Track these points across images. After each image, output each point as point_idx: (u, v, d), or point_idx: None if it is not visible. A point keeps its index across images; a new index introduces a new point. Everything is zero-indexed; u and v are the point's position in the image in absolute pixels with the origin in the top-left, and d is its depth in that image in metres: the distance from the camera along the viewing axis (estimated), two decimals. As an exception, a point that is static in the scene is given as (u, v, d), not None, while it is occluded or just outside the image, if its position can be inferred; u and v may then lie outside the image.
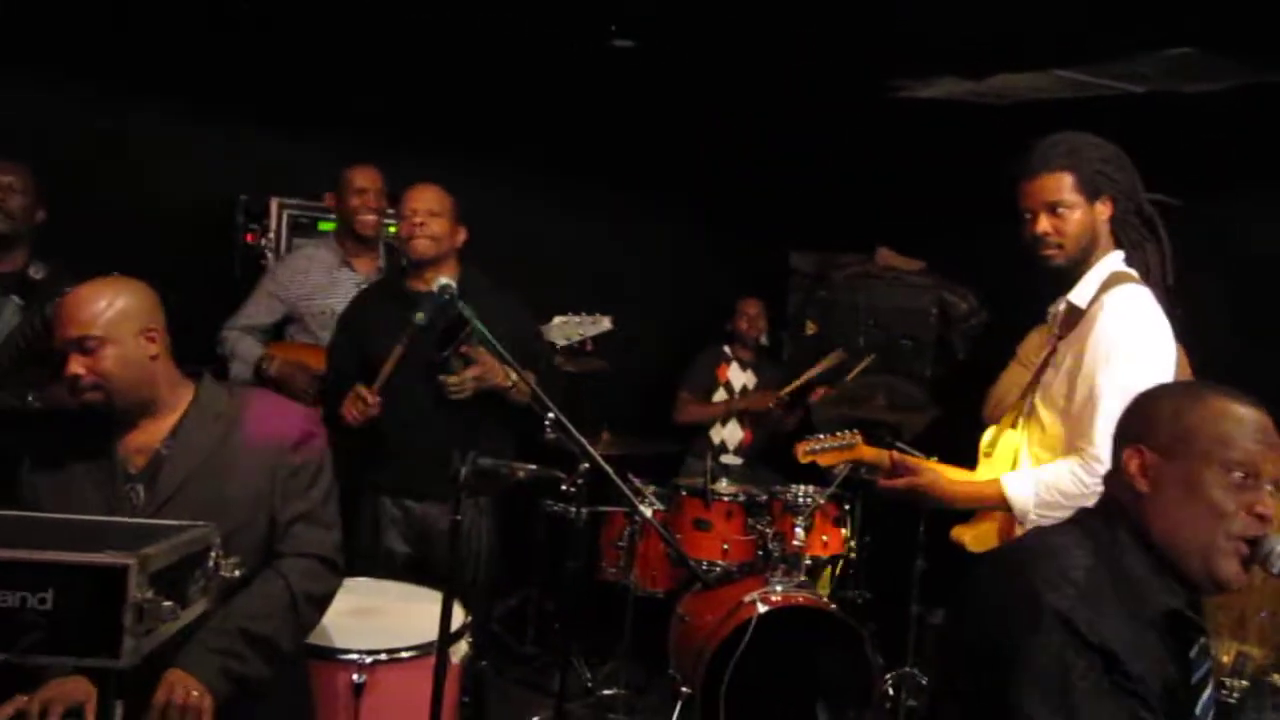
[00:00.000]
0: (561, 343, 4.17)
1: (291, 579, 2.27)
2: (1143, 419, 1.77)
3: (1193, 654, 1.66)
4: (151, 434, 2.27)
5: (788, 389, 5.01)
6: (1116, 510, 1.75)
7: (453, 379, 3.30)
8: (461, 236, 3.51)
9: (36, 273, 3.14)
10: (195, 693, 2.03)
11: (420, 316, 3.06)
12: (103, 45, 4.26)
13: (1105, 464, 1.97)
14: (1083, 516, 1.80)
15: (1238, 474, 1.66)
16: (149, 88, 4.41)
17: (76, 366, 2.17)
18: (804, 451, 3.06)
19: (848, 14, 4.08)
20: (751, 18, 4.27)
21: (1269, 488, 1.68)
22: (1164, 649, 1.64)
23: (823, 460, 3.04)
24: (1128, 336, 2.37)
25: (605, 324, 4.21)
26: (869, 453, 2.91)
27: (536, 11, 4.41)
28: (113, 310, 2.20)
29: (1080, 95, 4.66)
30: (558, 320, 4.15)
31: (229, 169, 4.61)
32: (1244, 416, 1.69)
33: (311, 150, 4.67)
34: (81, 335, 2.17)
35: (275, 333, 4.08)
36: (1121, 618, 1.61)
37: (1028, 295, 2.83)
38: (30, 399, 3.13)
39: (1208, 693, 1.68)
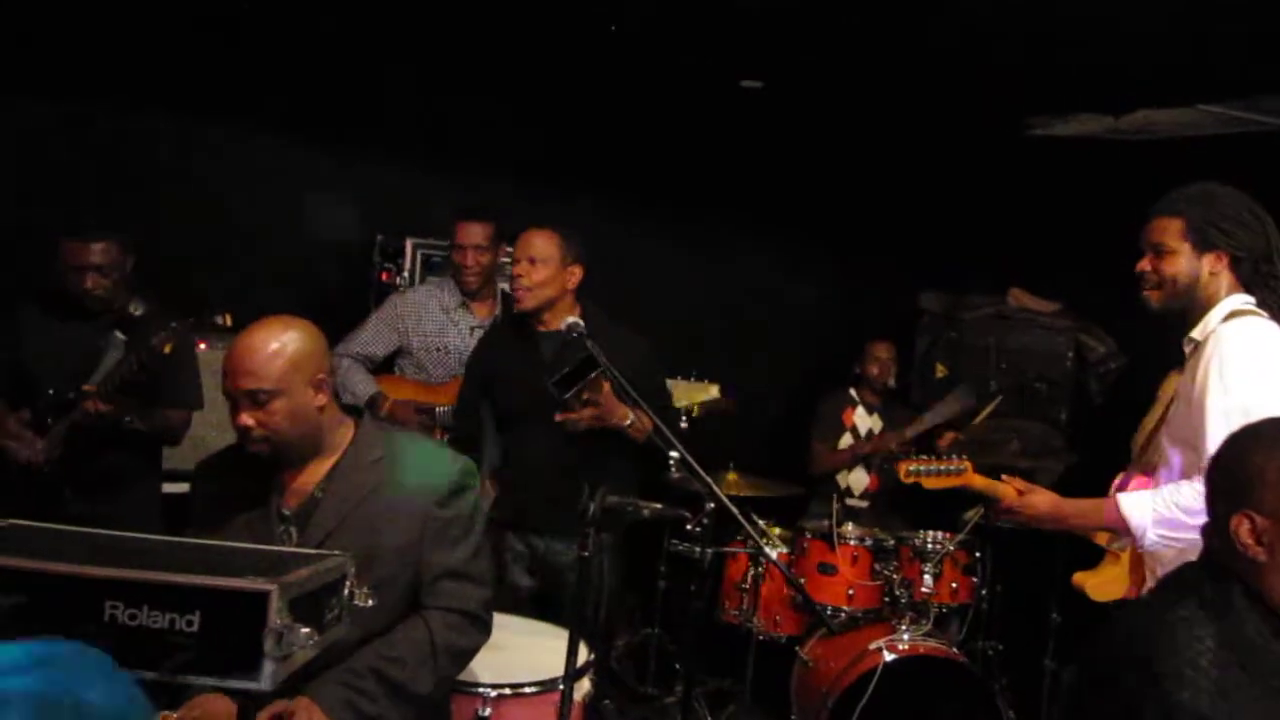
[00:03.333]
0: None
1: (435, 630, 2.26)
2: (1242, 480, 1.66)
3: None
4: (309, 475, 2.27)
5: (912, 430, 4.89)
6: (1228, 574, 1.66)
7: (571, 416, 3.32)
8: (576, 278, 3.49)
9: (136, 309, 3.34)
10: None
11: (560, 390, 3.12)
12: (248, 91, 4.47)
13: None
14: (1194, 582, 1.71)
15: None
16: (292, 132, 4.62)
17: (247, 419, 2.15)
18: (906, 471, 2.94)
19: (981, 49, 4.02)
20: (881, 55, 4.25)
21: None
22: None
23: (927, 483, 2.92)
24: (1241, 357, 2.33)
25: (713, 392, 4.19)
26: (980, 481, 2.81)
27: (666, 55, 4.46)
28: (284, 360, 2.17)
29: (1227, 131, 4.48)
30: (668, 384, 4.13)
31: (368, 210, 4.79)
32: None
33: (445, 191, 4.81)
34: (254, 389, 2.14)
35: (385, 364, 4.16)
36: (1256, 700, 1.54)
37: (1167, 338, 2.74)
38: (128, 420, 3.34)
39: None
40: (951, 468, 2.88)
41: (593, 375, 2.99)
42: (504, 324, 3.88)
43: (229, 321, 3.15)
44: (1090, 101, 4.52)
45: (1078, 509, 2.60)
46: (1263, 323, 2.40)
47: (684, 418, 4.31)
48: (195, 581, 1.42)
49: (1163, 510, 2.35)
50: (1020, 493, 2.66)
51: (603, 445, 3.40)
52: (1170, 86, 4.16)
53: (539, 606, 3.33)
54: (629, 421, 3.34)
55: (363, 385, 3.97)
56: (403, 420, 3.84)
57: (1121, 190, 4.74)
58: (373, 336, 4.08)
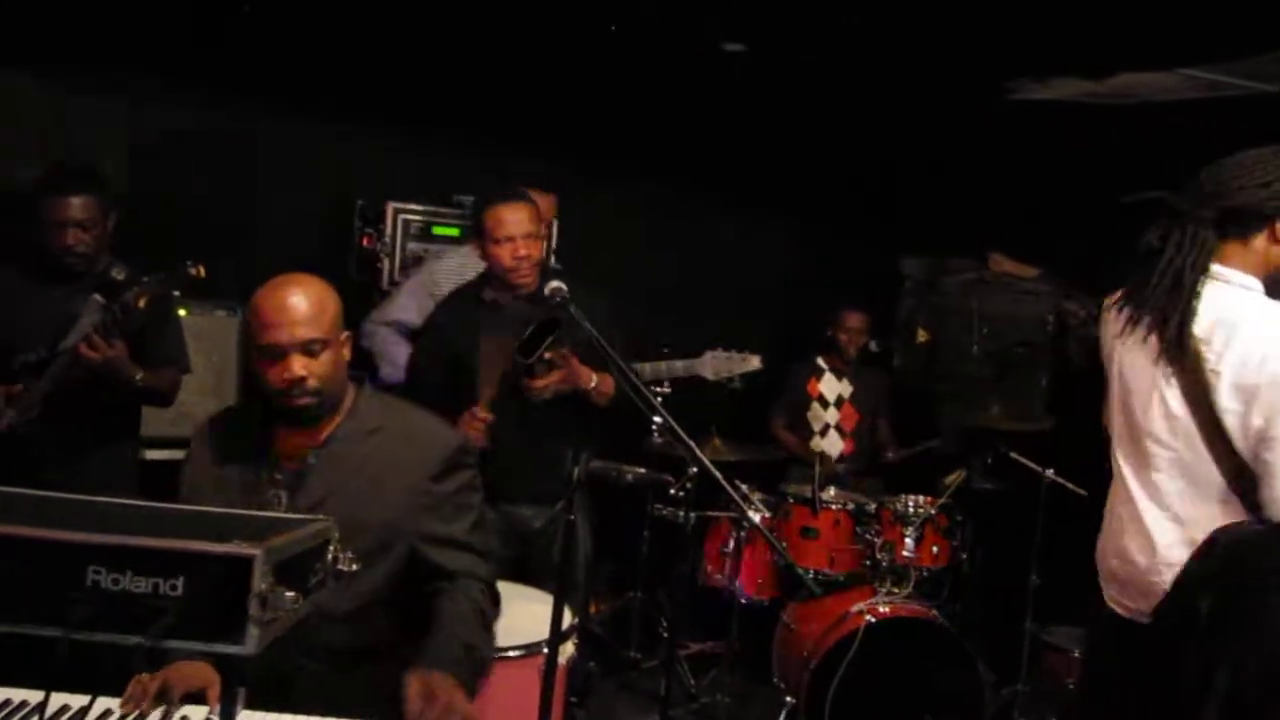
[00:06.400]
0: (710, 378, 4.08)
1: (476, 599, 2.22)
2: None
3: None
4: (306, 439, 2.24)
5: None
6: None
7: (538, 382, 3.30)
8: None
9: (119, 274, 3.28)
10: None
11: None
12: (227, 54, 4.41)
13: None
14: None
15: None
16: (272, 95, 4.56)
17: (300, 369, 2.14)
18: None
19: (961, 13, 4.00)
20: (862, 18, 4.22)
21: None
22: None
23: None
24: None
25: (755, 363, 4.08)
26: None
27: (645, 16, 4.42)
28: (330, 313, 2.19)
29: (1209, 96, 4.48)
30: (709, 355, 4.04)
31: (347, 174, 4.75)
32: None
33: (426, 156, 4.77)
34: (312, 338, 2.14)
35: (418, 333, 4.13)
36: None
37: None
38: (139, 378, 3.29)
39: None
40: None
41: (553, 336, 2.97)
42: (458, 295, 3.72)
43: (202, 273, 3.12)
44: (1070, 65, 4.51)
45: None
46: None
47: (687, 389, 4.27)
48: (179, 546, 1.41)
49: None
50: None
51: (569, 411, 3.39)
52: (1151, 50, 4.15)
53: (511, 573, 3.30)
54: (593, 383, 3.35)
55: (402, 354, 3.90)
56: None
57: (1099, 154, 4.77)
58: (408, 305, 4.01)
